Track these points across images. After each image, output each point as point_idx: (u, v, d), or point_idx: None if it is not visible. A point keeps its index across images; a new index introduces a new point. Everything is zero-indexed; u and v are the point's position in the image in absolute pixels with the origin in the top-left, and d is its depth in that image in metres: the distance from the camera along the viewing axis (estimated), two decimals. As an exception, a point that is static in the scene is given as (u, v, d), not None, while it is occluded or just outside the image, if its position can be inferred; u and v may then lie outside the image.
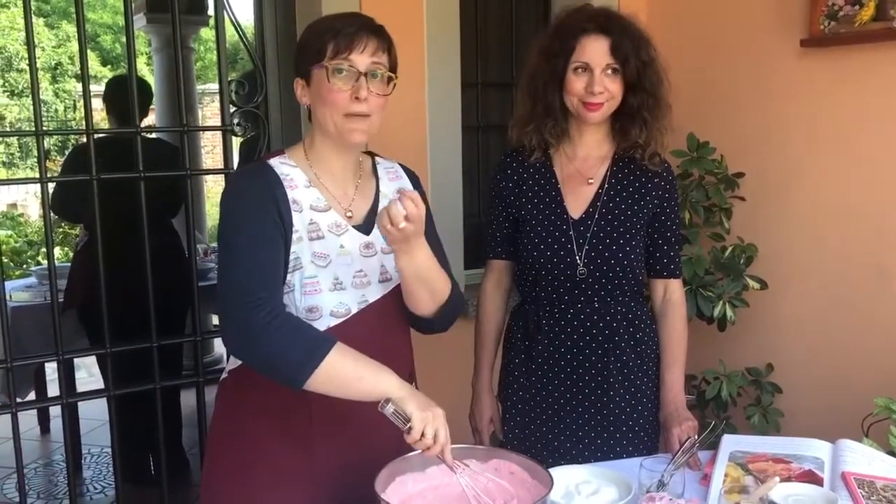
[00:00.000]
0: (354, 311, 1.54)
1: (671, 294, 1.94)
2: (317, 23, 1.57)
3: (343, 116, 1.49)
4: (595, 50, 1.76)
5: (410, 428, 1.36)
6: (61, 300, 3.16)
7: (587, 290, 1.84)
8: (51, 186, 2.44)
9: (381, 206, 1.61)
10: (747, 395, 2.68)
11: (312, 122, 1.58)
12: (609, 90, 1.77)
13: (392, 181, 1.67)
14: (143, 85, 3.71)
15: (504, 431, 1.95)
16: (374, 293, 1.57)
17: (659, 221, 1.90)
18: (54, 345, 2.30)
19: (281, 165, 1.53)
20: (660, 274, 1.93)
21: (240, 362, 1.54)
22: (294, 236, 1.49)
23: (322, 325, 1.51)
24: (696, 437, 1.70)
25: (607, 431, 1.85)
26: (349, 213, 1.57)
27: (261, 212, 1.46)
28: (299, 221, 1.49)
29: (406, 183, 1.69)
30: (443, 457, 1.39)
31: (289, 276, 1.49)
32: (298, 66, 1.55)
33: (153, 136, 3.75)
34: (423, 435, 1.36)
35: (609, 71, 1.76)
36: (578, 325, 1.85)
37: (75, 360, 4.17)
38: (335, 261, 1.52)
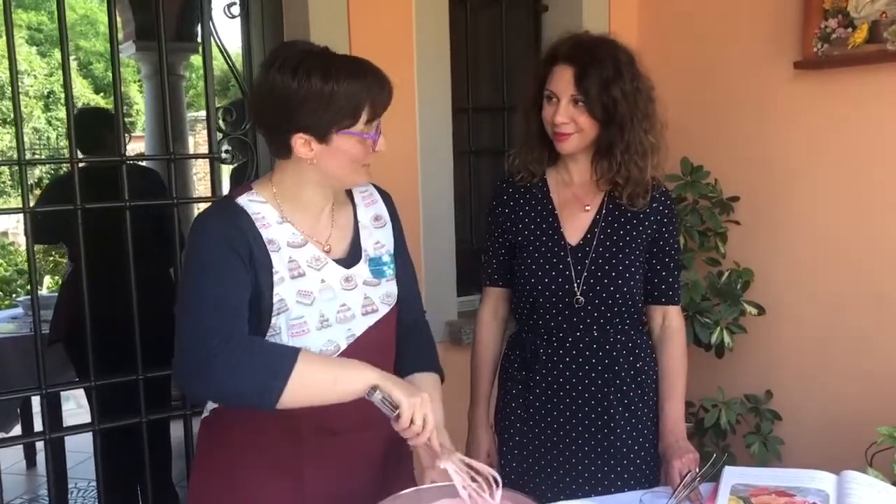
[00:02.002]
0: (344, 346, 1.50)
1: (670, 321, 1.89)
2: (328, 76, 1.37)
3: (356, 168, 1.46)
4: (560, 79, 1.72)
5: (399, 415, 1.33)
6: (46, 332, 3.12)
7: (586, 319, 1.80)
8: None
9: (362, 237, 1.57)
10: (746, 422, 2.64)
11: (286, 161, 1.48)
12: (576, 122, 1.73)
13: (368, 206, 1.62)
14: (106, 114, 3.67)
15: (501, 465, 1.90)
16: (360, 326, 1.53)
17: (657, 247, 1.86)
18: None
19: (250, 203, 1.46)
20: (658, 300, 1.89)
21: None
22: (276, 278, 1.43)
23: None
24: (697, 470, 1.66)
25: (608, 465, 1.81)
26: (327, 248, 1.52)
27: (223, 248, 1.39)
28: (279, 261, 1.44)
29: (381, 207, 1.64)
30: (430, 443, 1.37)
31: (274, 320, 1.44)
32: (308, 123, 1.39)
33: (140, 164, 3.73)
34: (412, 422, 1.33)
35: (575, 102, 1.72)
36: (577, 355, 1.80)
37: (65, 391, 4.10)
38: (319, 297, 1.48)
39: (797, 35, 2.53)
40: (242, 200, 1.46)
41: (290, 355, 1.32)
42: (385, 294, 1.57)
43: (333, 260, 1.51)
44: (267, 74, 1.40)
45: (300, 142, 1.41)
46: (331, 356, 1.37)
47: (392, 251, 1.62)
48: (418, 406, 1.34)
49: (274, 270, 1.43)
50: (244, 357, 1.32)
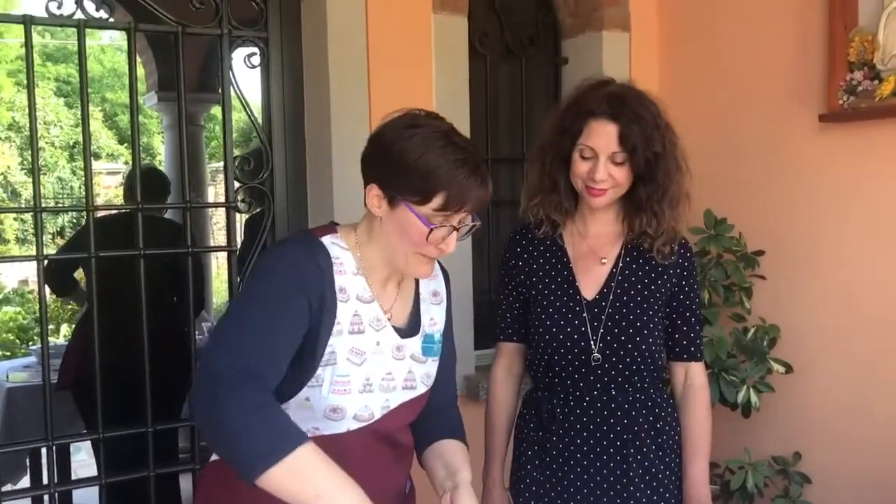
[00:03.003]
0: (377, 416, 1.45)
1: (693, 378, 1.82)
2: (422, 146, 1.35)
3: (415, 252, 1.41)
4: (601, 136, 1.65)
5: None
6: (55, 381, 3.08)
7: (603, 377, 1.73)
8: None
9: (421, 309, 1.54)
10: (774, 485, 2.54)
11: (369, 215, 1.45)
12: (614, 178, 1.67)
13: (429, 281, 1.58)
14: (160, 174, 3.93)
15: (516, 530, 1.82)
16: (398, 399, 1.48)
17: (677, 301, 1.80)
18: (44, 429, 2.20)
19: (332, 246, 1.42)
20: (680, 357, 1.82)
21: None
22: (335, 328, 1.38)
23: (342, 426, 1.41)
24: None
25: (628, 530, 1.72)
26: (389, 314, 1.48)
27: (296, 286, 1.34)
28: (343, 313, 1.39)
29: (441, 284, 1.61)
30: None
31: (320, 370, 1.38)
32: (382, 178, 1.38)
33: (164, 216, 3.75)
34: None
35: (615, 158, 1.67)
36: (595, 415, 1.73)
37: (75, 442, 4.03)
38: (370, 359, 1.43)
39: (822, 87, 2.49)
40: (326, 241, 1.43)
41: (296, 439, 1.20)
42: (426, 374, 1.53)
43: (392, 326, 1.48)
44: (395, 124, 1.40)
45: (373, 192, 1.39)
46: (334, 466, 1.21)
47: (442, 330, 1.58)
48: None
49: (336, 321, 1.39)
50: (259, 419, 1.20)
